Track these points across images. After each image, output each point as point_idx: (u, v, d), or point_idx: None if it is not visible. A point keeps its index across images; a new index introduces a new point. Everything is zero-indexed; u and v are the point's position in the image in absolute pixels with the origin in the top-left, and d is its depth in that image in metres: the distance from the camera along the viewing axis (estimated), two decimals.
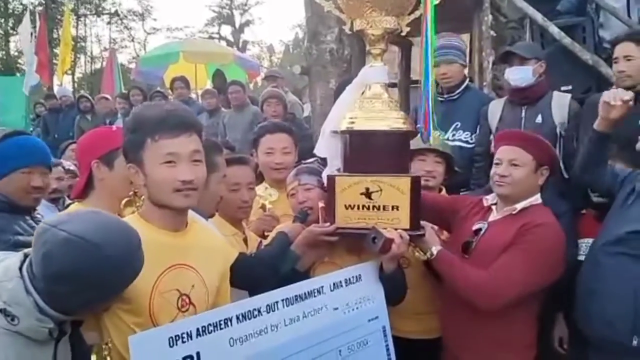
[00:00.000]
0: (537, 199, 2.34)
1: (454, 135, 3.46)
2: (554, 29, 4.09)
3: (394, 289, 2.25)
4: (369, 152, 2.22)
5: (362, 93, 2.32)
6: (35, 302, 1.39)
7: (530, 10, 4.22)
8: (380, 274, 2.19)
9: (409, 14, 2.27)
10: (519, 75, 3.16)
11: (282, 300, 1.85)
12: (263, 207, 2.62)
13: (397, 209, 2.16)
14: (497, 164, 2.36)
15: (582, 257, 2.52)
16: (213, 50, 9.99)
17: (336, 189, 2.18)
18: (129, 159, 1.69)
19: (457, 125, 3.46)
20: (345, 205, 2.18)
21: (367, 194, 2.16)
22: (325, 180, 2.35)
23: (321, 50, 4.79)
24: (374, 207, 2.16)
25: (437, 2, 2.11)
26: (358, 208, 2.17)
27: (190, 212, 1.93)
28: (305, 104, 6.17)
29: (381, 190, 2.16)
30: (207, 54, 9.32)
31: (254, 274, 2.07)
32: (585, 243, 2.50)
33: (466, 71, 3.96)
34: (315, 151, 2.49)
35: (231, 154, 2.80)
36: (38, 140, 2.48)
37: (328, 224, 2.20)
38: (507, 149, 2.34)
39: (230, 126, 6.25)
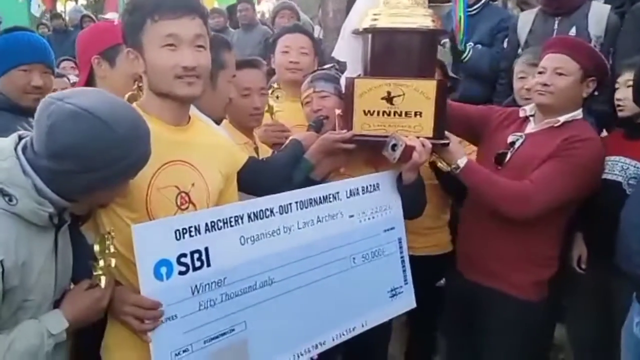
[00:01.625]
0: (579, 113, 2.20)
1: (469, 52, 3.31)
2: None
3: (413, 201, 2.14)
4: (392, 52, 2.05)
5: None
6: (34, 183, 1.28)
7: None
8: (398, 185, 2.08)
9: None
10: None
11: (296, 202, 1.76)
12: (270, 109, 2.42)
13: (420, 116, 2.02)
14: (540, 72, 2.20)
15: (606, 176, 2.39)
16: None
17: (355, 92, 2.03)
18: (128, 43, 1.55)
19: (470, 44, 3.29)
20: (365, 111, 2.04)
21: (389, 98, 2.01)
22: (343, 87, 2.19)
23: None
24: (395, 113, 2.01)
25: None
26: (378, 114, 2.03)
27: (196, 112, 1.80)
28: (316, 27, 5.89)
29: (404, 94, 2.00)
30: None
31: (264, 180, 1.94)
32: (611, 161, 2.35)
33: None
34: (334, 53, 2.32)
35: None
36: (39, 37, 2.35)
37: (345, 130, 2.07)
38: (553, 56, 2.17)
39: (238, 46, 5.96)
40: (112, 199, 1.46)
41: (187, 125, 1.65)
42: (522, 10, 3.87)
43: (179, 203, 1.57)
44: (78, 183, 1.29)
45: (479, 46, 3.29)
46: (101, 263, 1.39)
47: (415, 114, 2.02)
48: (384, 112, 2.03)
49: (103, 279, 1.41)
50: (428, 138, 2.01)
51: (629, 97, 2.28)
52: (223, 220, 1.54)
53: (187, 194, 1.58)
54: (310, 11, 6.92)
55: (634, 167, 2.32)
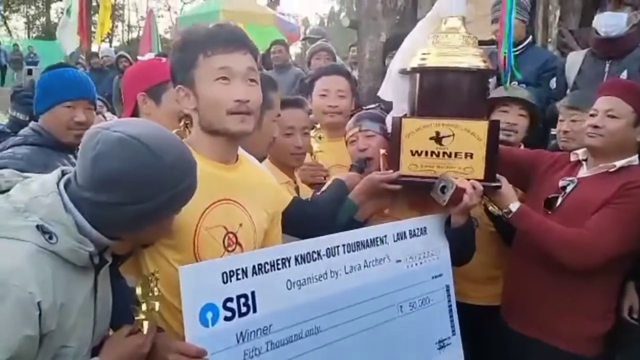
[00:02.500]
0: (635, 159, 2.11)
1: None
2: None
3: (462, 247, 2.04)
4: (441, 92, 1.99)
5: (436, 29, 2.09)
6: (75, 220, 1.21)
7: None
8: (446, 229, 1.99)
9: None
10: (612, 22, 2.87)
11: (344, 245, 1.68)
12: (310, 149, 2.37)
13: (471, 157, 1.94)
14: (592, 115, 2.13)
15: None
16: (253, 11, 9.78)
17: (402, 132, 1.96)
18: (178, 80, 1.53)
19: (515, 83, 3.23)
20: (412, 151, 1.97)
21: (438, 138, 1.94)
22: (389, 126, 2.13)
23: (372, 1, 4.53)
24: (444, 153, 1.94)
25: None
26: (426, 154, 1.96)
27: (241, 150, 1.76)
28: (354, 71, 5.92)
29: (454, 135, 1.93)
30: (248, 14, 9.12)
31: (308, 221, 1.87)
32: None
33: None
34: (380, 93, 2.28)
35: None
36: (82, 73, 2.40)
37: (391, 170, 2.00)
38: (605, 99, 2.11)
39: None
40: (157, 237, 1.40)
41: (236, 163, 1.61)
42: (562, 53, 3.84)
43: (226, 244, 1.51)
44: (123, 216, 1.22)
45: (524, 86, 3.24)
46: (144, 307, 1.32)
47: (466, 156, 1.94)
48: (432, 152, 1.96)
49: (145, 324, 1.33)
50: (479, 180, 1.92)
51: None
52: (270, 262, 1.47)
53: (234, 234, 1.53)
54: (340, 53, 7.01)
55: None
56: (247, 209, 1.57)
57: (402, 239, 1.87)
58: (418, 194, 2.01)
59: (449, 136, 1.94)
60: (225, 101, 1.47)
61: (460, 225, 1.96)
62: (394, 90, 2.18)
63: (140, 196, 1.20)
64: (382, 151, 2.12)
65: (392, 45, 4.08)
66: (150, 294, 1.32)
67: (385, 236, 1.82)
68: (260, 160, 2.09)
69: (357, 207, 2.03)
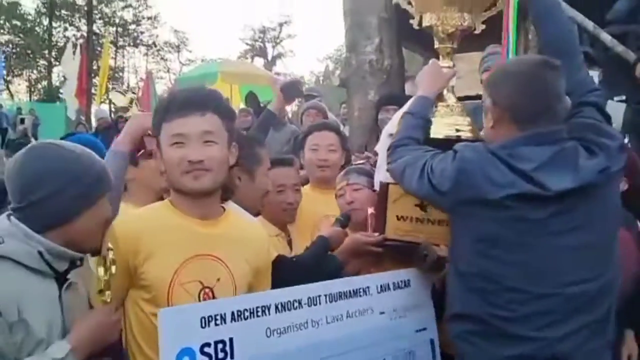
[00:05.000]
0: None
1: None
2: (606, 37, 3.91)
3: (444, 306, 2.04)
4: None
5: None
6: (18, 228, 1.35)
7: (580, 18, 4.04)
8: (432, 289, 2.01)
9: (485, 11, 2.13)
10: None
11: (326, 295, 1.69)
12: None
13: None
14: None
15: None
16: (250, 72, 10.06)
17: (389, 197, 2.01)
18: (156, 144, 1.63)
19: None
20: (397, 216, 2.01)
21: (422, 205, 1.97)
22: (377, 184, 2.18)
23: (360, 61, 4.68)
24: (428, 220, 1.97)
25: None
26: (410, 220, 2.00)
27: (234, 206, 1.81)
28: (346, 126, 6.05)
29: None
30: (245, 75, 9.39)
31: (290, 279, 1.85)
32: None
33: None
34: (376, 148, 2.37)
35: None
36: (91, 137, 2.54)
37: (377, 233, 2.04)
38: None
39: (268, 144, 6.13)
40: (97, 224, 1.47)
41: (219, 218, 1.65)
42: None
43: (201, 299, 1.54)
44: (55, 207, 1.36)
45: None
46: (101, 272, 1.42)
47: (448, 223, 1.92)
48: (417, 218, 1.99)
49: (107, 293, 1.43)
50: None
51: None
52: (250, 309, 1.49)
53: (211, 289, 1.55)
54: (333, 110, 7.17)
55: None
56: (226, 264, 1.59)
57: (385, 290, 1.87)
58: (402, 256, 2.03)
59: None
60: (178, 162, 1.54)
61: (440, 288, 1.97)
62: (383, 150, 2.24)
63: (65, 182, 1.37)
64: (370, 210, 2.15)
65: (382, 104, 4.22)
66: (108, 271, 1.43)
67: (369, 287, 1.82)
68: (258, 214, 2.17)
69: (342, 266, 2.05)
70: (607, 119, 1.76)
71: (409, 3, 2.18)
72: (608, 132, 1.70)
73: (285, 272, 1.86)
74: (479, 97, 3.48)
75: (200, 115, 1.55)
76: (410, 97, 5.52)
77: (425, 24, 2.13)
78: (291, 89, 2.97)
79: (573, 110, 1.73)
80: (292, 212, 2.35)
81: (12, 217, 1.37)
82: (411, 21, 2.20)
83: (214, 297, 1.55)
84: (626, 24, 4.13)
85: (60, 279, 1.40)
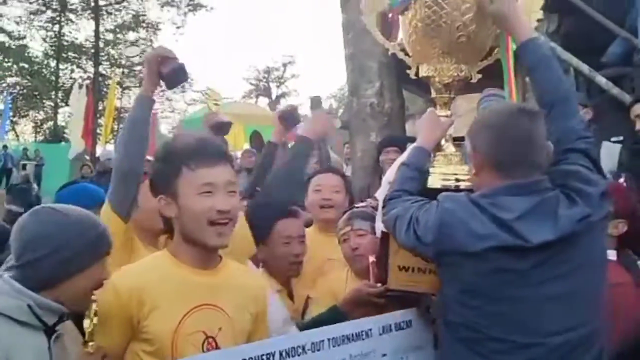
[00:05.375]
0: (611, 254, 2.15)
1: None
2: (601, 80, 4.01)
3: None
4: None
5: None
6: (11, 285, 1.42)
7: (575, 61, 4.15)
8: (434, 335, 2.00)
9: (481, 61, 2.17)
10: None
11: (329, 339, 1.71)
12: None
13: None
14: None
15: None
16: (253, 113, 10.21)
17: (390, 247, 2.00)
18: (159, 190, 1.62)
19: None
20: (399, 266, 2.00)
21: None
22: (377, 230, 2.19)
23: (361, 104, 4.79)
24: (430, 270, 1.96)
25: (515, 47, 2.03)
26: (413, 270, 1.98)
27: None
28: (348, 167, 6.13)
29: None
30: (248, 116, 9.49)
31: None
32: None
33: None
34: (377, 194, 2.39)
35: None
36: (92, 186, 2.67)
37: (379, 284, 2.04)
38: None
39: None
40: (89, 286, 1.51)
41: (218, 267, 1.66)
42: None
43: (205, 349, 1.55)
44: (48, 267, 1.44)
45: None
46: (86, 324, 1.51)
47: None
48: (419, 268, 1.97)
49: (91, 344, 1.50)
50: None
51: None
52: (255, 357, 1.50)
53: (214, 338, 1.57)
54: (334, 149, 7.26)
55: None
56: (227, 312, 1.61)
57: (387, 332, 1.88)
58: (405, 305, 2.03)
59: None
60: (207, 210, 1.55)
61: None
62: (382, 196, 2.26)
63: (56, 246, 1.45)
64: (372, 258, 2.16)
65: (386, 144, 4.30)
66: (92, 322, 1.52)
67: (371, 329, 1.83)
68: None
69: (346, 316, 2.04)
70: (596, 165, 1.76)
71: (406, 54, 2.22)
72: (590, 179, 1.69)
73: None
74: None
75: (224, 165, 1.60)
76: (410, 138, 5.62)
77: (422, 74, 2.17)
78: (289, 117, 2.90)
79: (560, 156, 1.75)
80: (298, 264, 2.35)
81: (4, 275, 1.46)
82: (408, 71, 2.25)
83: (217, 347, 1.56)
84: (621, 66, 4.24)
85: (49, 331, 1.44)
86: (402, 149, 4.33)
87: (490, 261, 1.59)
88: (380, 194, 2.28)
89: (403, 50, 2.25)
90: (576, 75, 4.28)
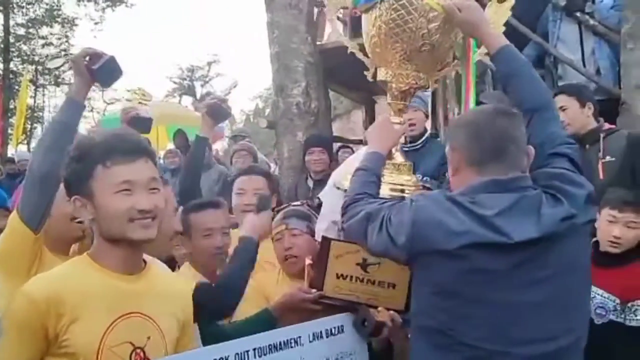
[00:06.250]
0: None
1: None
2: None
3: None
4: None
5: None
6: None
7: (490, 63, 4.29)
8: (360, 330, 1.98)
9: (439, 70, 2.17)
10: None
11: (254, 349, 1.66)
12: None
13: (394, 287, 1.95)
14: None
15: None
16: (176, 113, 9.92)
17: (330, 254, 1.96)
18: (73, 191, 1.51)
19: (418, 176, 3.41)
20: (337, 274, 1.96)
21: (364, 265, 1.95)
22: (317, 234, 2.15)
23: (288, 104, 4.75)
24: (368, 280, 1.94)
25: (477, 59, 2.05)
26: (351, 279, 1.96)
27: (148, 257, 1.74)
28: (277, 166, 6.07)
29: (379, 263, 1.93)
30: (171, 116, 9.22)
31: (219, 304, 1.89)
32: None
33: (428, 123, 4.03)
34: (320, 194, 2.36)
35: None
36: None
37: (314, 290, 2.00)
38: None
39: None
40: None
41: (142, 272, 1.58)
42: None
43: None
44: None
45: (427, 179, 3.43)
46: None
47: (389, 285, 1.94)
48: (357, 278, 1.95)
49: None
50: (399, 312, 1.93)
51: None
52: None
53: (142, 349, 1.48)
54: (265, 148, 7.19)
55: (601, 295, 2.33)
56: (155, 320, 1.53)
57: (317, 339, 1.85)
58: (339, 312, 2.00)
59: (375, 264, 1.93)
60: (127, 210, 1.46)
61: (380, 349, 1.97)
62: (328, 200, 2.23)
63: None
64: (308, 260, 2.12)
65: (311, 144, 4.28)
66: None
67: (300, 337, 1.80)
68: (166, 260, 2.10)
69: (277, 320, 2.02)
70: (579, 169, 1.72)
71: (365, 54, 2.17)
72: (575, 180, 1.65)
73: (209, 300, 1.81)
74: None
75: (145, 162, 1.50)
76: (337, 137, 5.66)
77: (379, 77, 2.13)
78: (217, 110, 2.81)
79: (544, 161, 1.71)
80: (221, 257, 2.27)
81: None
82: (365, 72, 2.20)
83: (145, 357, 1.47)
84: (536, 68, 4.42)
85: None
86: (328, 149, 4.38)
87: (467, 260, 1.53)
88: (325, 196, 2.25)
89: (362, 50, 2.19)
90: (493, 77, 4.42)
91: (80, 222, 2.14)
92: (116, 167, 1.46)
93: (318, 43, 5.01)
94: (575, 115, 3.12)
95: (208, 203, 2.32)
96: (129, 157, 1.47)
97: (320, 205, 3.06)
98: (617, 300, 2.41)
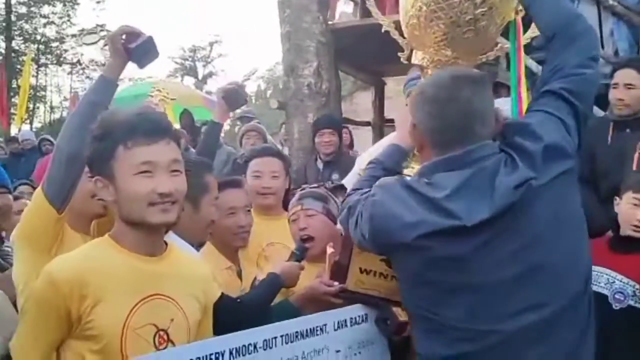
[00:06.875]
0: None
1: None
2: (532, 63, 4.09)
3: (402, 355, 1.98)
4: None
5: None
6: None
7: (507, 45, 4.22)
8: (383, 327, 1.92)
9: (482, 55, 2.02)
10: (509, 106, 3.07)
11: (282, 336, 1.62)
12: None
13: None
14: None
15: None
16: (182, 92, 9.79)
17: (354, 249, 1.88)
18: (95, 171, 1.48)
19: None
20: (361, 269, 1.89)
21: (388, 260, 1.85)
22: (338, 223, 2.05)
23: (299, 84, 4.70)
24: (393, 277, 1.85)
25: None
26: (374, 274, 1.88)
27: (173, 238, 1.71)
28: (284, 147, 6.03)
29: None
30: (178, 95, 9.14)
31: (238, 323, 1.74)
32: (595, 272, 2.32)
33: None
34: (344, 181, 2.32)
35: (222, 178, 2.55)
36: None
37: (336, 283, 1.94)
38: None
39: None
40: None
41: (164, 254, 1.54)
42: None
43: (156, 343, 1.43)
44: None
45: None
46: None
47: None
48: (381, 273, 1.88)
49: None
50: None
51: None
52: (203, 357, 1.40)
53: (165, 331, 1.45)
54: (270, 128, 7.14)
55: (620, 281, 2.31)
56: (178, 302, 1.50)
57: (342, 327, 1.81)
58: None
59: None
60: (147, 193, 1.42)
61: (396, 340, 1.92)
62: (351, 182, 2.15)
63: None
64: (330, 249, 2.06)
65: (321, 125, 4.23)
66: None
67: (325, 325, 1.75)
68: (200, 246, 2.06)
69: (298, 312, 1.97)
70: (574, 107, 1.52)
71: (400, 34, 2.05)
72: (536, 132, 1.47)
73: (229, 316, 1.76)
74: None
75: (167, 143, 1.44)
76: (346, 119, 5.58)
77: (415, 61, 2.03)
78: (235, 96, 2.71)
79: (533, 101, 1.57)
80: (244, 235, 2.23)
81: None
82: (400, 54, 2.10)
83: (169, 340, 1.45)
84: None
85: None
86: (338, 131, 4.33)
87: (427, 250, 1.46)
88: (347, 182, 2.21)
89: (399, 30, 2.06)
90: (507, 59, 4.36)
91: (100, 200, 2.13)
92: (137, 148, 1.42)
93: (329, 23, 4.94)
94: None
95: (229, 182, 2.27)
96: (151, 138, 1.42)
97: (336, 187, 3.04)
98: (637, 286, 2.38)
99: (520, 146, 1.47)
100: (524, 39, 1.96)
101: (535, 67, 4.08)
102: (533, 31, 1.95)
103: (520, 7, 1.84)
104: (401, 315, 1.84)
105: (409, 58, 2.07)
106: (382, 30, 2.12)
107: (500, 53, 2.09)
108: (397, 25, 2.09)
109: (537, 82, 1.62)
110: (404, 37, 2.05)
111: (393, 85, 7.14)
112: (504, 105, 3.04)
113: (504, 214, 1.42)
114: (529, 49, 4.29)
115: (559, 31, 1.58)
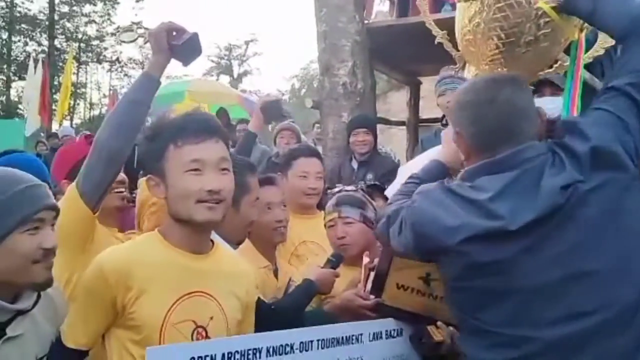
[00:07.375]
0: None
1: None
2: (591, 77, 3.97)
3: None
4: None
5: None
6: None
7: (567, 63, 4.13)
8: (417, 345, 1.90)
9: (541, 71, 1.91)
10: (554, 105, 2.99)
11: (318, 340, 1.63)
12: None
13: None
14: None
15: None
16: (218, 91, 9.91)
17: (392, 265, 1.88)
18: (147, 170, 1.54)
19: None
20: (398, 284, 1.88)
21: (427, 279, 1.85)
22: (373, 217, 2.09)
23: (334, 84, 4.68)
24: (430, 295, 1.85)
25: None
26: (412, 291, 1.87)
27: (215, 237, 1.73)
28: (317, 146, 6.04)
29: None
30: (213, 94, 9.22)
31: (272, 328, 1.73)
32: None
33: None
34: (387, 192, 2.32)
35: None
36: (32, 157, 2.53)
37: (372, 296, 1.92)
38: None
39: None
40: (15, 264, 1.36)
41: (210, 252, 1.58)
42: None
43: (194, 339, 1.46)
44: None
45: None
46: None
47: None
48: (418, 290, 1.86)
49: None
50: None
51: None
52: (241, 352, 1.43)
53: (204, 328, 1.49)
54: (302, 127, 7.14)
55: None
56: (219, 301, 1.53)
57: (377, 339, 1.81)
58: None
59: (438, 280, 1.81)
60: (196, 191, 1.46)
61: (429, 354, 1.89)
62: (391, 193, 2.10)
63: None
64: (366, 259, 2.04)
65: (355, 125, 4.21)
66: None
67: (362, 334, 1.76)
68: (238, 245, 2.09)
69: (331, 320, 1.94)
70: (637, 104, 1.42)
71: (454, 45, 1.95)
72: (581, 131, 1.42)
73: (263, 321, 1.76)
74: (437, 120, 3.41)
75: (215, 142, 1.50)
76: (381, 119, 5.53)
77: (467, 75, 1.99)
78: (273, 110, 2.79)
79: (596, 98, 1.48)
80: (283, 230, 2.27)
81: None
82: (451, 67, 2.09)
83: (207, 336, 1.48)
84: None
85: None
86: (372, 130, 4.30)
87: (470, 255, 1.44)
88: (389, 193, 2.19)
89: (453, 43, 1.96)
90: None
91: (119, 192, 2.19)
92: (187, 147, 1.46)
93: (365, 22, 4.92)
94: None
95: (265, 179, 2.29)
96: (200, 137, 1.47)
97: (371, 186, 3.03)
98: None
99: (567, 146, 1.43)
100: (586, 57, 1.83)
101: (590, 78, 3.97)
102: (596, 50, 1.86)
103: (585, 24, 1.72)
104: (435, 334, 1.82)
105: (462, 68, 2.00)
106: (435, 42, 2.01)
107: (560, 71, 1.93)
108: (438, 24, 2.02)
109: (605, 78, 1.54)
110: (458, 49, 1.94)
111: (428, 85, 7.09)
112: (548, 105, 2.99)
113: (549, 218, 1.39)
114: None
115: (631, 28, 1.49)
